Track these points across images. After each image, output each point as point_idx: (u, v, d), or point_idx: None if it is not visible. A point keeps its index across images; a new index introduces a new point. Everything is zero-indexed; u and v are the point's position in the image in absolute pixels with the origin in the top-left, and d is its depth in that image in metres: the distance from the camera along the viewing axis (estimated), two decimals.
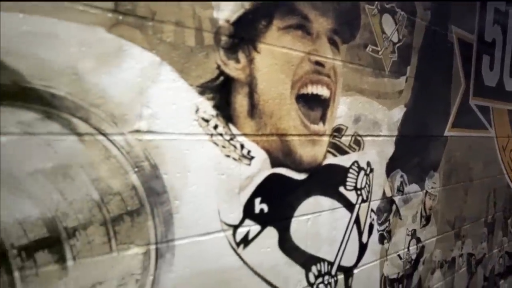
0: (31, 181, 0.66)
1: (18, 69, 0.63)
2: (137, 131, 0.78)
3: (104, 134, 0.74)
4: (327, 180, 1.27)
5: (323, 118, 1.22)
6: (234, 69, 0.94)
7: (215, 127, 0.92)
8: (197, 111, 0.88)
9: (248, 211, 1.03)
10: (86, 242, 0.74)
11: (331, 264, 1.34)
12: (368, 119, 1.40)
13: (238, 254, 1.02)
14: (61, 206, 0.70)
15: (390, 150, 1.55)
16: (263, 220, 1.07)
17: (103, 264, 0.77)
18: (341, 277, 1.39)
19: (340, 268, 1.39)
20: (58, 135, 0.69)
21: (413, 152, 1.70)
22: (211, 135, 0.92)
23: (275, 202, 1.10)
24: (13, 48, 0.63)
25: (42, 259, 0.69)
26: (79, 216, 0.72)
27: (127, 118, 0.77)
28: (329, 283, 1.34)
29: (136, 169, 0.79)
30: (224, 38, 0.91)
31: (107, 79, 0.73)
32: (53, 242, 0.70)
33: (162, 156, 0.83)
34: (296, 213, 1.18)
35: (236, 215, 1.00)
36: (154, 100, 0.80)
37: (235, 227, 1.00)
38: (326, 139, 1.24)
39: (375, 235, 1.55)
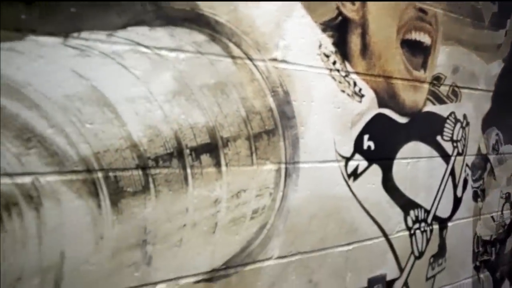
0: (199, 93, 0.80)
1: None
2: (275, 59, 0.90)
3: (251, 59, 0.86)
4: (426, 127, 1.31)
5: (424, 65, 1.25)
6: (350, 10, 1.02)
7: (334, 63, 1.01)
8: (320, 46, 0.98)
9: (358, 146, 1.11)
10: (235, 152, 0.87)
11: (427, 212, 1.38)
12: (466, 70, 1.40)
13: (348, 186, 1.10)
14: (219, 118, 0.83)
15: (486, 105, 1.53)
16: (369, 157, 1.14)
17: (246, 175, 0.89)
18: (436, 227, 1.42)
19: (436, 218, 1.41)
20: (218, 56, 0.82)
21: (509, 111, 1.66)
22: (330, 70, 1.01)
23: (380, 141, 1.16)
24: None
25: (205, 161, 0.83)
26: (231, 128, 0.86)
27: (268, 47, 0.88)
28: (425, 231, 1.38)
29: (272, 93, 0.91)
30: None
31: (254, 10, 0.85)
32: (213, 148, 0.83)
33: (293, 84, 0.94)
34: (398, 155, 1.23)
35: (348, 148, 1.08)
36: (288, 33, 0.91)
37: (347, 159, 1.09)
38: (426, 86, 1.27)
39: (469, 191, 1.54)
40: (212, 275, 0.87)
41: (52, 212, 0.67)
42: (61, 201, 0.67)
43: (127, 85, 0.72)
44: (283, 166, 0.95)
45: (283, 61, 0.91)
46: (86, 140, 0.69)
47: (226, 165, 0.86)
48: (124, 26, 0.70)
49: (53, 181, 0.66)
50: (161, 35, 0.74)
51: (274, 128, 0.92)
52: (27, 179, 0.64)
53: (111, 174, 0.72)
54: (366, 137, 1.12)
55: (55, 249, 0.68)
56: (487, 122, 1.54)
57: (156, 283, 0.79)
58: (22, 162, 0.64)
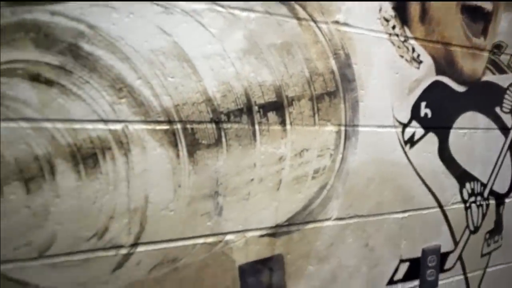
0: (267, 53, 0.84)
1: None
2: (337, 22, 0.92)
3: (315, 21, 0.88)
4: (484, 97, 1.27)
5: (484, 33, 1.22)
6: None
7: (393, 27, 1.01)
8: (380, 10, 0.98)
9: (415, 113, 1.10)
10: (299, 112, 0.90)
11: (484, 185, 1.34)
12: None
13: (405, 152, 1.10)
14: (284, 78, 0.87)
15: None
16: (426, 125, 1.13)
17: (309, 134, 0.92)
18: (492, 202, 1.38)
19: (492, 193, 1.37)
20: (285, 17, 0.85)
21: None
22: (390, 34, 1.01)
23: (437, 109, 1.15)
24: None
25: (272, 118, 0.86)
26: (296, 88, 0.89)
27: (331, 9, 0.90)
28: (481, 205, 1.35)
29: (334, 56, 0.93)
30: None
31: None
32: (279, 107, 0.87)
33: (354, 47, 0.95)
34: (455, 124, 1.21)
35: (405, 114, 1.08)
36: None
37: (404, 126, 1.09)
38: (486, 54, 1.24)
39: None
40: (276, 231, 0.91)
41: (139, 158, 0.73)
42: (146, 148, 0.74)
43: (204, 42, 0.76)
44: (343, 128, 0.97)
45: (345, 24, 0.93)
46: (168, 93, 0.74)
47: (291, 123, 0.89)
48: None
49: (139, 129, 0.73)
50: None
51: (335, 90, 0.94)
52: (118, 126, 0.71)
53: (188, 126, 0.77)
54: (423, 104, 1.11)
55: (140, 193, 0.74)
56: None
57: (225, 234, 0.84)
58: (115, 110, 0.70)
